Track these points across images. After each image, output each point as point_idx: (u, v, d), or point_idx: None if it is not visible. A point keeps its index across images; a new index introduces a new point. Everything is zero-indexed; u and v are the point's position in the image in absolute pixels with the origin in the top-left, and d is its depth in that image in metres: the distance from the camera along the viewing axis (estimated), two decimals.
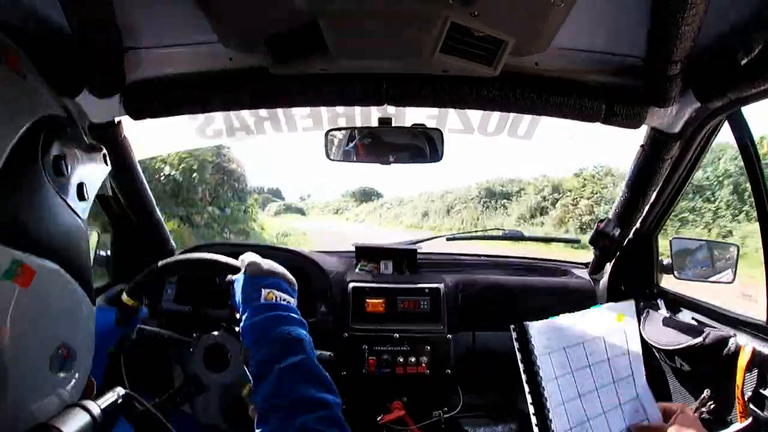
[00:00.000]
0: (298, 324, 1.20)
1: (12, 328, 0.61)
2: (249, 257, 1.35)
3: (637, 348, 1.49)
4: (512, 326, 1.39)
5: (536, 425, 1.33)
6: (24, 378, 0.64)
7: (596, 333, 1.49)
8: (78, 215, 0.75)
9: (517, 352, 1.39)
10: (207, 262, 1.47)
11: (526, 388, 1.36)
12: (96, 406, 0.80)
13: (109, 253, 2.25)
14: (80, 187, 0.76)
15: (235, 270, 1.37)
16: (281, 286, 1.27)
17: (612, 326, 1.52)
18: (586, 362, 1.46)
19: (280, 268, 1.33)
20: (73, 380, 0.73)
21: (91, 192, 0.79)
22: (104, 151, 0.87)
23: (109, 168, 0.87)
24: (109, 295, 1.45)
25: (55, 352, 0.69)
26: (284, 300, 1.24)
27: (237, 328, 1.52)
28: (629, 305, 1.56)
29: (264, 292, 1.23)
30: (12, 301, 0.61)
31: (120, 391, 1.05)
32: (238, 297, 1.28)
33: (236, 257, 1.43)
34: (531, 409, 1.35)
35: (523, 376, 1.37)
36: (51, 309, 0.69)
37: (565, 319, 1.52)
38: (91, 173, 0.80)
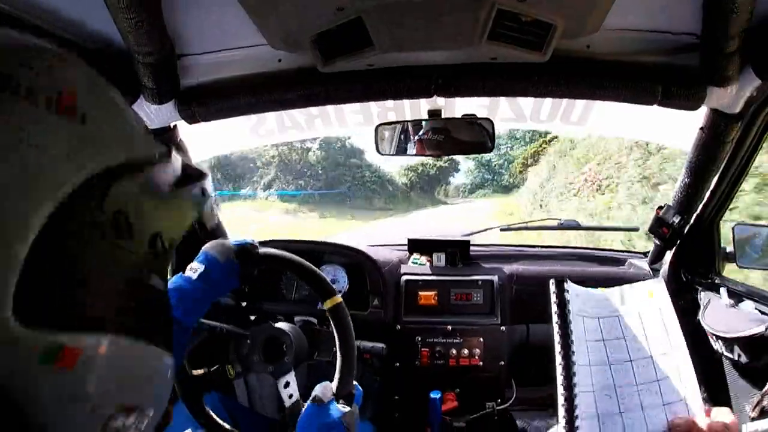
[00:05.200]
0: None
1: (57, 408, 0.56)
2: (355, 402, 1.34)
3: (674, 323, 1.41)
4: (551, 280, 1.37)
5: (561, 373, 1.30)
6: None
7: (631, 308, 1.44)
8: (148, 272, 0.65)
9: (553, 305, 1.37)
10: (314, 278, 1.46)
11: (557, 340, 1.34)
12: None
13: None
14: (153, 240, 0.64)
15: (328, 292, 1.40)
16: None
17: (645, 302, 1.46)
18: (621, 334, 1.41)
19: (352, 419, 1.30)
20: (138, 429, 0.67)
21: (171, 241, 0.67)
22: (205, 179, 0.75)
23: (205, 198, 0.74)
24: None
25: (110, 413, 0.62)
26: None
27: (294, 319, 1.58)
28: (657, 282, 1.50)
29: None
30: (54, 385, 0.55)
31: None
32: (301, 420, 1.28)
33: (296, 253, 1.47)
34: (559, 359, 1.32)
35: (555, 329, 1.35)
36: (105, 379, 0.60)
37: (601, 293, 1.47)
38: (173, 217, 0.69)
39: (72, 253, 0.55)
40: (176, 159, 0.69)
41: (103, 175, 0.57)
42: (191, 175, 0.72)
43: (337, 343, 1.41)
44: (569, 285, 1.43)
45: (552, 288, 1.36)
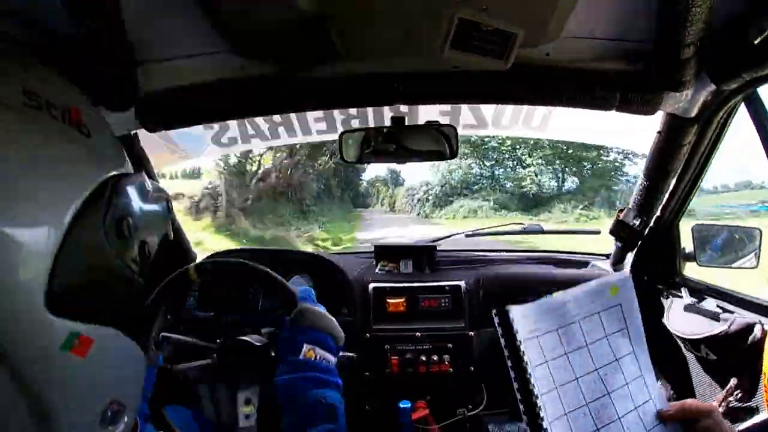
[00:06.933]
0: (334, 387, 1.17)
1: (68, 394, 0.62)
2: (303, 300, 1.30)
3: (636, 322, 1.41)
4: (493, 311, 1.36)
5: (524, 413, 1.30)
6: None
7: (592, 310, 1.42)
8: (138, 275, 0.74)
9: (501, 339, 1.36)
10: (268, 279, 1.39)
11: (512, 375, 1.33)
12: None
13: None
14: (142, 246, 0.74)
15: (289, 300, 1.32)
16: (325, 343, 1.23)
17: (606, 301, 1.44)
18: (584, 342, 1.39)
19: (328, 321, 1.28)
20: (121, 428, 0.73)
21: (153, 249, 0.78)
22: (168, 197, 0.84)
23: (171, 215, 0.84)
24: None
25: (107, 407, 0.69)
26: (324, 359, 1.20)
27: (262, 331, 1.54)
28: (622, 276, 1.49)
29: (305, 348, 1.19)
30: (69, 371, 0.62)
31: None
32: (282, 340, 1.26)
33: (263, 262, 1.41)
34: (518, 396, 1.32)
35: (509, 363, 1.34)
36: (107, 371, 0.69)
37: (556, 299, 1.45)
38: (154, 229, 0.79)
39: (88, 255, 0.65)
40: (147, 180, 0.79)
41: (109, 184, 0.68)
42: (162, 195, 0.82)
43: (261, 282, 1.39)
44: (513, 310, 1.41)
45: (495, 320, 1.35)
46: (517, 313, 1.41)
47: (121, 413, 0.72)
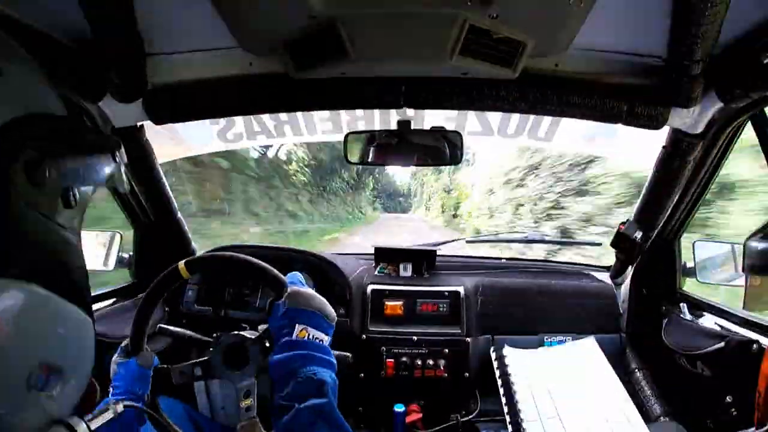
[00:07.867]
0: (327, 365, 1.18)
1: None
2: (292, 284, 1.32)
3: (610, 373, 1.59)
4: (491, 347, 1.45)
5: None
6: None
7: (572, 363, 1.55)
8: (61, 225, 0.68)
9: (496, 371, 1.42)
10: (256, 269, 1.38)
11: (503, 400, 1.41)
12: (83, 423, 0.75)
13: (131, 254, 2.28)
14: (66, 193, 0.67)
15: (278, 287, 1.33)
16: (317, 323, 1.25)
17: (583, 357, 1.65)
18: (567, 389, 1.52)
19: (319, 302, 1.29)
20: (62, 396, 0.68)
21: (83, 196, 0.70)
22: (116, 145, 0.78)
23: (116, 164, 0.77)
24: (123, 348, 1.43)
25: (33, 371, 0.63)
26: (317, 338, 1.22)
27: (259, 327, 1.54)
28: (590, 340, 1.62)
29: (298, 328, 1.21)
30: None
31: (118, 407, 1.07)
32: (274, 325, 1.28)
33: (263, 259, 1.41)
34: (507, 418, 1.37)
35: (501, 390, 1.41)
36: (22, 330, 0.62)
37: (544, 351, 1.59)
38: (84, 175, 0.72)
39: None
40: (86, 122, 0.72)
41: (18, 125, 0.62)
42: (103, 139, 0.78)
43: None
44: (507, 349, 1.51)
45: (493, 355, 1.43)
46: (510, 353, 1.50)
47: (54, 378, 0.67)
